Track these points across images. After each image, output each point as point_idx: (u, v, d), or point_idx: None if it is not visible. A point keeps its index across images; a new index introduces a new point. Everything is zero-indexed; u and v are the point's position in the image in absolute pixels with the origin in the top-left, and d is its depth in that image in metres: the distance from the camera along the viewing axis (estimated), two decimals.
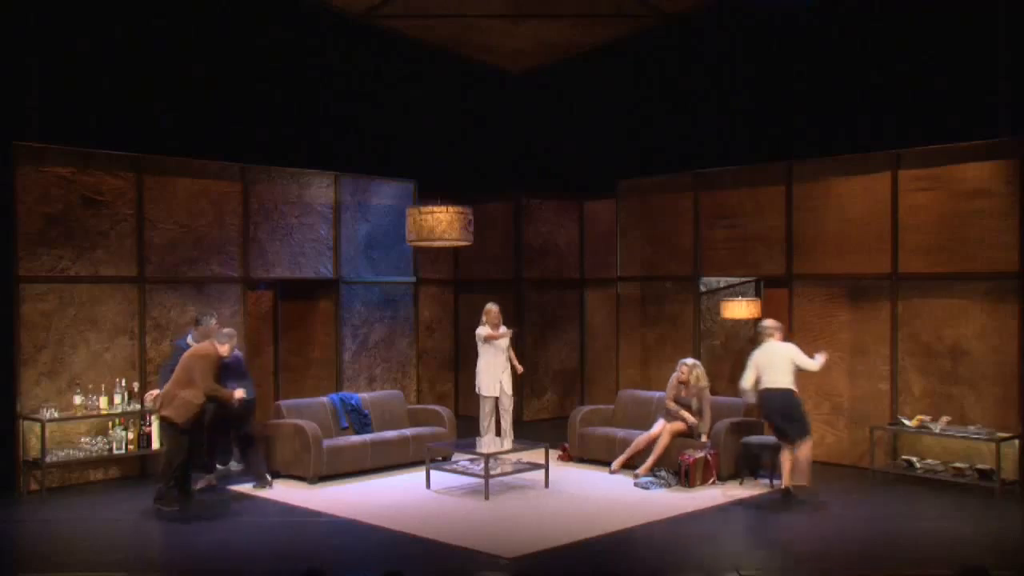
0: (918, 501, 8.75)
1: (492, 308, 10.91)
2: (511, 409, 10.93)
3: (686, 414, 9.62)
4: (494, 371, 10.76)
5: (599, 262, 13.54)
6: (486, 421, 10.82)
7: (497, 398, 10.82)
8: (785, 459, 8.68)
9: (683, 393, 9.74)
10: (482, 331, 10.81)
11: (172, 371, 8.75)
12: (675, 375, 9.83)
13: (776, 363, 8.74)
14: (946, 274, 9.55)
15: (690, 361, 9.87)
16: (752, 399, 9.00)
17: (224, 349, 8.69)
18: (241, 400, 8.83)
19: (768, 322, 9.07)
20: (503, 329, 10.85)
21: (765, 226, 10.88)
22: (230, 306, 10.29)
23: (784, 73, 11.75)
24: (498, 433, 10.78)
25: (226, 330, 8.88)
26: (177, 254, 10.10)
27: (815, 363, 8.76)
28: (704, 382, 9.73)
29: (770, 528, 8.06)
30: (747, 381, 8.94)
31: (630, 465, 9.71)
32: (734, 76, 12.31)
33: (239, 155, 10.72)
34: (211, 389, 8.54)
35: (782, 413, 8.68)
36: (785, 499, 8.61)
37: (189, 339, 9.37)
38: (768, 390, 8.72)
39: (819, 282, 10.46)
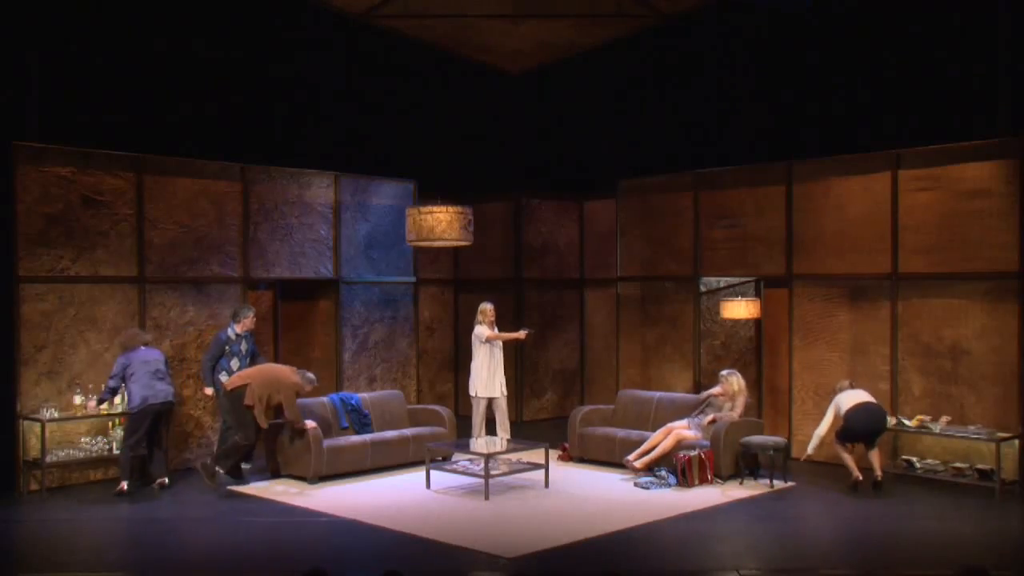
0: (918, 501, 8.75)
1: (489, 307, 10.90)
2: (506, 413, 10.89)
3: (710, 416, 9.70)
4: (491, 372, 10.75)
5: (599, 262, 13.53)
6: (479, 422, 10.81)
7: (491, 401, 10.81)
8: (874, 457, 9.07)
9: (718, 397, 9.88)
10: (483, 331, 10.79)
11: (215, 359, 9.69)
12: (715, 388, 9.94)
13: (863, 397, 9.19)
14: (946, 274, 9.55)
15: (725, 372, 9.97)
16: (813, 448, 9.25)
17: (308, 388, 9.47)
18: (315, 428, 9.47)
19: (848, 381, 9.54)
20: (505, 331, 10.85)
21: (765, 226, 10.87)
22: (230, 306, 10.27)
23: (784, 73, 11.75)
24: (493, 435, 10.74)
25: (309, 375, 9.54)
26: (177, 254, 10.10)
27: None
28: (739, 386, 9.81)
29: (770, 528, 8.06)
30: (824, 427, 9.25)
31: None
32: (734, 76, 12.31)
33: (239, 155, 10.72)
34: (297, 416, 9.34)
35: (881, 423, 9.10)
36: (876, 488, 8.98)
37: (230, 331, 9.77)
38: (867, 403, 9.12)
39: (819, 282, 10.46)
